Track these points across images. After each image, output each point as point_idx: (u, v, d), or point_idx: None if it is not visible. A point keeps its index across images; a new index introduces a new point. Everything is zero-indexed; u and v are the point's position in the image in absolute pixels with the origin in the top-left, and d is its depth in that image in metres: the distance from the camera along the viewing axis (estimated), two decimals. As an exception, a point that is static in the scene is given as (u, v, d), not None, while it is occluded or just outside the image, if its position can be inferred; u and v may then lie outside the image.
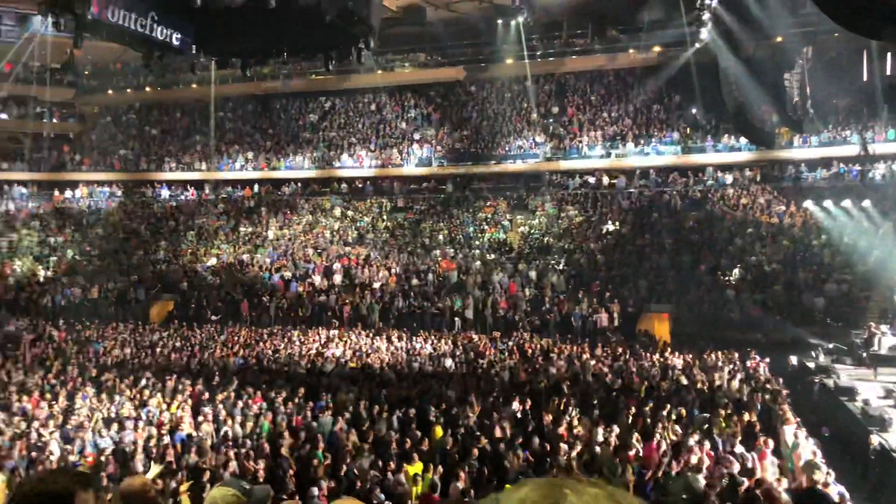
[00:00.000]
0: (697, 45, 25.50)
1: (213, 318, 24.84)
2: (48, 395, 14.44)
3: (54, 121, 37.34)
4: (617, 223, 27.02)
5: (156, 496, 3.28)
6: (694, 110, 29.17)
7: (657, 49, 29.06)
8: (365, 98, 35.27)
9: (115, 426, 12.50)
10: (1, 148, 36.21)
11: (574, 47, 31.37)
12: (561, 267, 25.09)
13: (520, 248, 27.00)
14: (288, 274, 26.80)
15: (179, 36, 15.04)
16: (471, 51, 32.49)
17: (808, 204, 24.59)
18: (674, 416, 11.85)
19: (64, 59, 33.97)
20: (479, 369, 16.68)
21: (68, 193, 36.05)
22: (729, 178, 27.59)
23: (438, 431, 11.78)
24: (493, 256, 26.52)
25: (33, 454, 11.16)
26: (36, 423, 12.53)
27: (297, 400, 13.82)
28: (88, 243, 31.83)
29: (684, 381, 14.80)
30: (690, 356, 17.42)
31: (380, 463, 10.36)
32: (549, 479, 0.75)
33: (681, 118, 29.50)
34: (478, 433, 11.46)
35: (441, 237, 28.33)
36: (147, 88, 37.23)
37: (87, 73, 37.64)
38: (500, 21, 30.09)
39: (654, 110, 30.27)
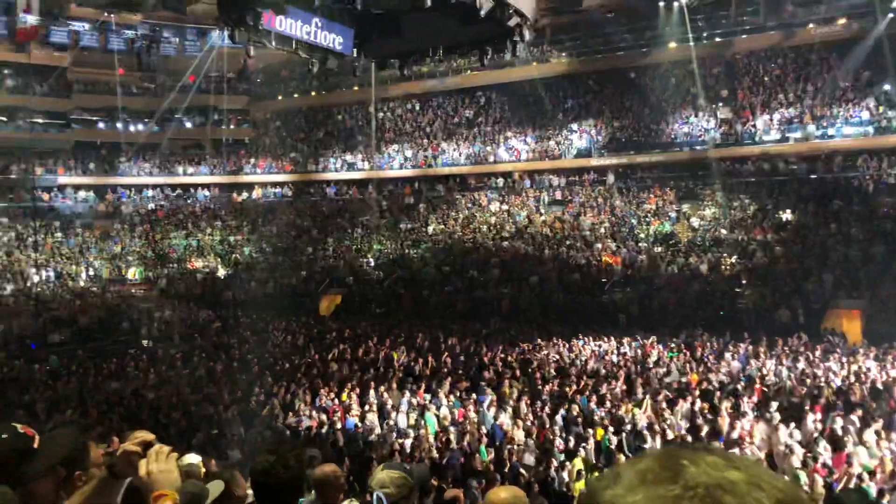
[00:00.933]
0: (891, 15, 23.08)
1: (377, 310, 26.13)
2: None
3: (231, 127, 40.86)
4: (796, 212, 25.06)
5: (344, 483, 3.58)
6: (887, 87, 26.27)
7: (842, 22, 26.62)
8: (521, 90, 35.34)
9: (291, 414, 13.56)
10: (186, 153, 40.17)
11: (744, 26, 29.48)
12: (734, 260, 23.71)
13: (689, 241, 25.81)
14: (446, 268, 27.53)
15: (342, 40, 15.88)
16: (631, 36, 31.51)
17: None
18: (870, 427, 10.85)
19: (239, 68, 37.15)
20: (646, 367, 16.20)
21: (245, 194, 39.30)
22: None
23: (600, 432, 11.62)
24: (659, 249, 25.57)
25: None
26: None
27: (459, 393, 14.20)
28: (264, 241, 34.59)
29: (879, 386, 13.47)
30: (889, 358, 15.81)
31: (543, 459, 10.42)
32: (666, 449, 0.76)
33: (872, 95, 26.72)
34: (645, 433, 11.17)
35: (602, 230, 27.74)
36: (312, 93, 39.78)
37: (259, 80, 40.85)
38: (661, 3, 28.95)
39: (838, 88, 27.66)
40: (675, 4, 28.53)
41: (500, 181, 33.43)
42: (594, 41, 32.58)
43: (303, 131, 41.11)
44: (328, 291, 28.54)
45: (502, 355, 18.04)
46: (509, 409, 12.78)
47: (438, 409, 13.14)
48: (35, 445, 1.98)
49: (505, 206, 32.04)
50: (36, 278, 28.86)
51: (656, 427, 11.50)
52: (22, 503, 1.86)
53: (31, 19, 28.34)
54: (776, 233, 24.40)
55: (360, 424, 12.81)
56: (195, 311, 26.94)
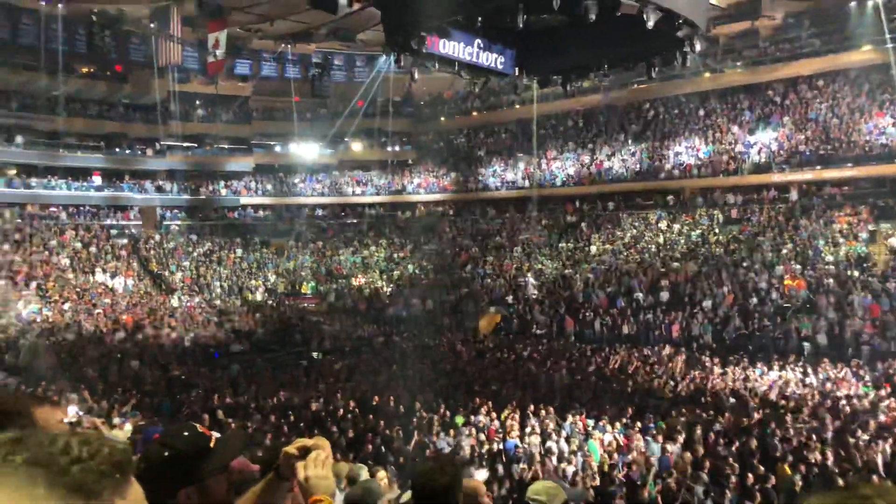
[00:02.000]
0: None
1: (538, 331, 26.13)
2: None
3: (396, 149, 42.82)
4: None
5: (488, 501, 3.71)
6: None
7: None
8: (691, 104, 34.05)
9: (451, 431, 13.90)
10: (354, 174, 42.58)
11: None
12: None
13: (886, 264, 23.50)
14: (611, 290, 27.00)
15: (503, 60, 16.25)
16: (818, 41, 29.39)
17: None
18: None
19: (403, 92, 38.95)
20: (836, 402, 14.93)
21: (408, 213, 40.92)
22: None
23: (786, 469, 10.87)
24: (851, 273, 23.48)
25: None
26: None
27: (625, 420, 13.88)
28: (425, 258, 35.80)
29: None
30: None
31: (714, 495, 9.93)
32: (855, 486, 0.75)
33: None
34: (836, 474, 10.32)
35: (784, 252, 25.93)
36: (474, 113, 40.82)
37: (422, 103, 42.56)
38: (853, 3, 26.81)
39: None
40: (870, 3, 26.30)
41: (670, 198, 32.29)
42: (774, 48, 30.76)
43: (464, 150, 42.20)
44: (488, 310, 28.95)
45: (672, 382, 17.39)
46: (679, 439, 12.30)
47: (603, 434, 12.92)
48: (211, 445, 2.16)
49: (675, 225, 30.89)
50: (218, 290, 31.77)
51: (847, 467, 10.59)
52: (199, 499, 2.05)
53: (219, 54, 31.53)
54: None
55: (520, 446, 12.87)
56: (360, 325, 28.40)
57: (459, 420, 14.57)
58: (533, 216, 36.11)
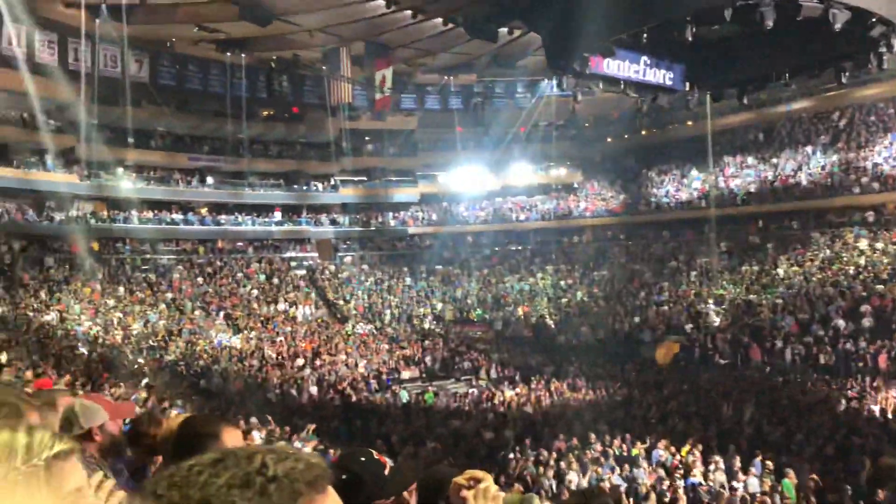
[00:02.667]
0: None
1: (721, 361, 24.86)
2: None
3: (561, 172, 42.76)
4: None
5: None
6: None
7: None
8: (890, 109, 31.21)
9: (627, 465, 13.59)
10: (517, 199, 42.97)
11: None
12: None
13: None
14: (804, 316, 25.14)
15: (672, 75, 15.92)
16: None
17: None
18: None
19: (567, 114, 38.95)
20: None
21: (575, 238, 40.60)
22: None
23: None
24: None
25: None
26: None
27: (824, 459, 12.92)
28: (595, 285, 35.28)
29: None
30: None
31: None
32: None
33: None
34: None
35: None
36: (643, 131, 39.95)
37: (586, 125, 42.28)
38: None
39: None
40: None
41: (870, 214, 29.60)
42: None
43: (633, 171, 41.35)
44: (664, 339, 27.96)
45: (881, 419, 15.92)
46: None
47: (799, 475, 12.08)
48: (385, 472, 2.28)
49: (878, 244, 28.21)
50: (388, 319, 33.21)
51: None
52: None
53: (386, 90, 33.41)
54: None
55: (703, 484, 12.34)
56: (528, 354, 28.49)
57: (636, 453, 14.23)
58: (711, 238, 34.47)
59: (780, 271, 29.52)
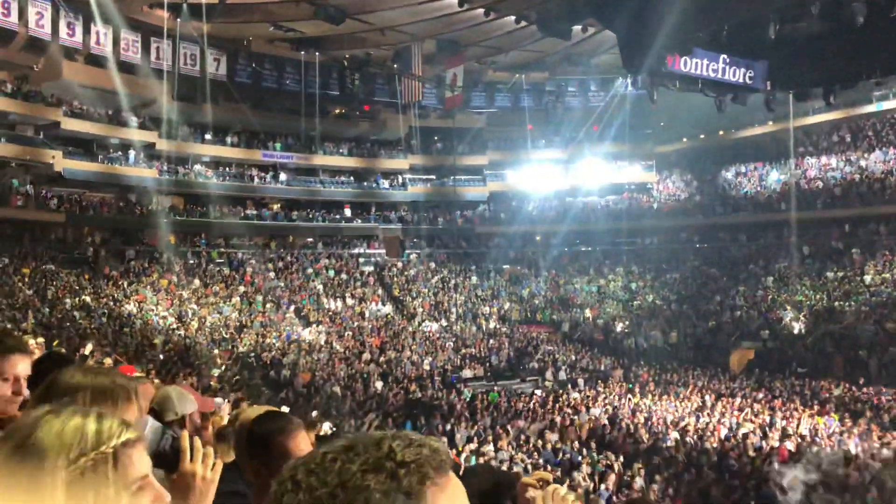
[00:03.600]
0: None
1: (800, 370, 24.14)
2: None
3: (635, 170, 42.11)
4: None
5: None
6: None
7: None
8: None
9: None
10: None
11: None
12: None
13: None
14: (891, 325, 24.16)
15: (752, 74, 15.55)
16: None
17: None
18: None
19: (642, 113, 38.30)
20: None
21: (646, 240, 39.91)
22: None
23: None
24: None
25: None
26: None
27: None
28: (666, 288, 34.65)
29: None
30: None
31: None
32: None
33: None
34: None
35: None
36: (720, 132, 38.91)
37: (661, 124, 41.46)
38: None
39: None
40: None
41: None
42: None
43: (709, 172, 40.39)
44: (739, 345, 27.28)
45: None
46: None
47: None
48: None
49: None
50: (453, 317, 33.36)
51: None
52: None
53: (457, 89, 33.60)
54: None
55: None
56: (597, 357, 28.23)
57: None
58: (791, 241, 33.38)
59: (867, 278, 28.40)
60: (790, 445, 14.69)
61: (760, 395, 21.22)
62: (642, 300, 34.51)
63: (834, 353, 23.99)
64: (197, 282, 30.70)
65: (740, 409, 19.27)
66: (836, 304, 27.39)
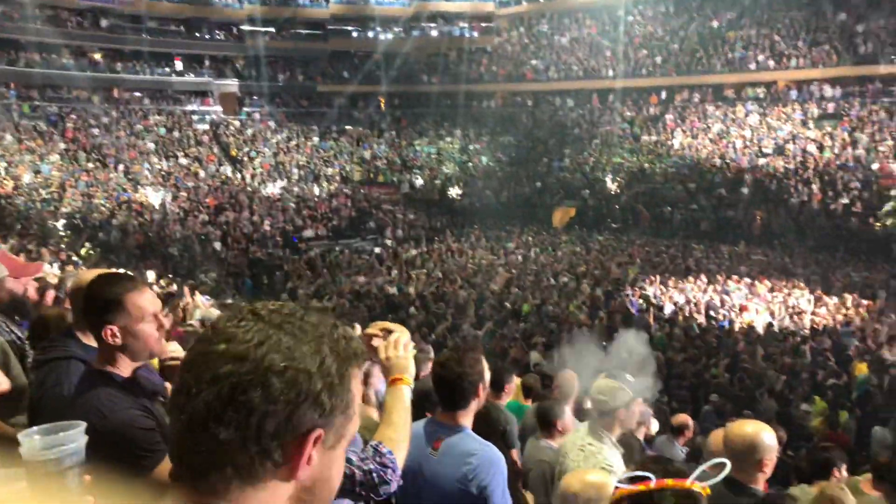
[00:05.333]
0: None
1: (613, 225, 26.03)
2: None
3: (475, 35, 41.60)
4: None
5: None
6: None
7: None
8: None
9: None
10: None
11: None
12: None
13: None
14: (692, 185, 26.29)
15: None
16: None
17: None
18: None
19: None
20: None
21: (484, 103, 40.17)
22: None
23: (862, 368, 10.77)
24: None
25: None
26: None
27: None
28: (501, 150, 35.45)
29: None
30: None
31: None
32: None
33: None
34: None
35: (884, 149, 24.40)
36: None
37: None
38: None
39: None
40: None
41: (761, 91, 30.55)
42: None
43: (546, 38, 40.67)
44: (562, 204, 28.75)
45: (748, 279, 17.27)
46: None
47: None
48: None
49: (771, 120, 29.27)
50: (295, 178, 32.45)
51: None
52: None
53: None
54: None
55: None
56: (434, 215, 28.80)
57: (526, 308, 14.88)
58: (615, 108, 34.88)
59: (676, 143, 30.41)
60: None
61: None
62: (478, 162, 35.17)
63: (642, 211, 25.94)
64: (9, 137, 27.51)
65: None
66: (648, 165, 29.28)
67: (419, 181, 33.41)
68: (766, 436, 2.69)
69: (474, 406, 2.65)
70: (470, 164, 35.08)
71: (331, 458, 0.91)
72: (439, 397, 2.71)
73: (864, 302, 15.47)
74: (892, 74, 26.80)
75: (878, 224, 21.00)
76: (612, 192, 28.18)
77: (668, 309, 15.17)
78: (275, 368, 0.83)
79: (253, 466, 0.84)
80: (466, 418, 2.64)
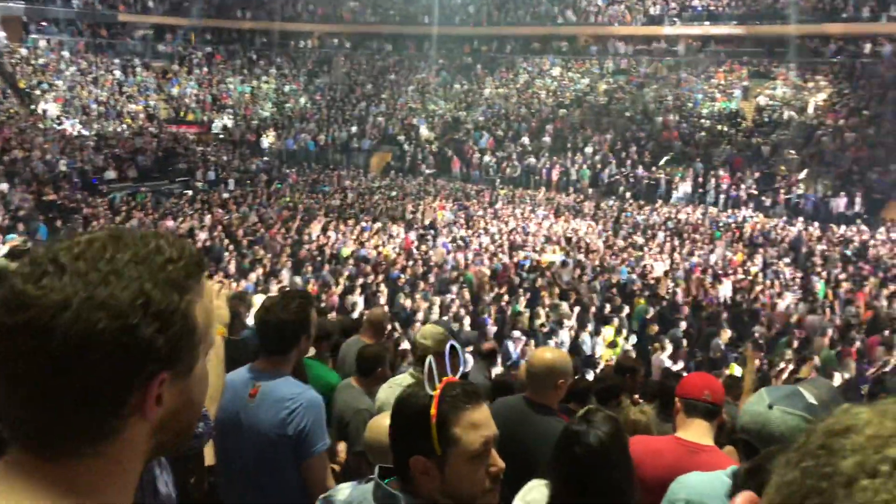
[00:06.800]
0: None
1: (427, 171, 26.44)
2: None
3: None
4: (875, 98, 23.72)
5: None
6: None
7: None
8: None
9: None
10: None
11: None
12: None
13: (753, 121, 24.89)
14: (500, 133, 27.33)
15: None
16: None
17: None
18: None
19: None
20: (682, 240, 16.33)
21: (301, 43, 38.68)
22: None
23: (640, 301, 11.96)
24: (722, 128, 24.75)
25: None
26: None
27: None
28: (318, 92, 34.50)
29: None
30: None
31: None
32: None
33: None
34: (681, 307, 11.51)
35: (666, 104, 26.81)
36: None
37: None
38: None
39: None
40: None
41: (565, 45, 32.17)
42: None
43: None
44: (379, 148, 28.73)
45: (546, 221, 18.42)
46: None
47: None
48: None
49: (573, 73, 30.91)
50: (94, 114, 29.55)
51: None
52: None
53: None
54: (846, 119, 23.25)
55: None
56: (247, 157, 27.59)
57: (345, 252, 14.87)
58: (431, 55, 35.06)
59: (486, 92, 31.30)
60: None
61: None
62: (295, 103, 34.03)
63: (454, 157, 26.61)
64: None
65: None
66: (460, 114, 29.95)
67: (231, 122, 31.75)
68: (562, 361, 2.94)
69: (294, 354, 2.61)
70: (287, 105, 33.85)
71: (186, 384, 0.84)
72: (261, 341, 2.65)
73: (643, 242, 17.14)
74: (675, 35, 29.33)
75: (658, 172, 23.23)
76: (427, 139, 28.57)
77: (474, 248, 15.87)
78: (91, 334, 0.73)
79: (101, 429, 0.76)
80: (286, 365, 2.59)
